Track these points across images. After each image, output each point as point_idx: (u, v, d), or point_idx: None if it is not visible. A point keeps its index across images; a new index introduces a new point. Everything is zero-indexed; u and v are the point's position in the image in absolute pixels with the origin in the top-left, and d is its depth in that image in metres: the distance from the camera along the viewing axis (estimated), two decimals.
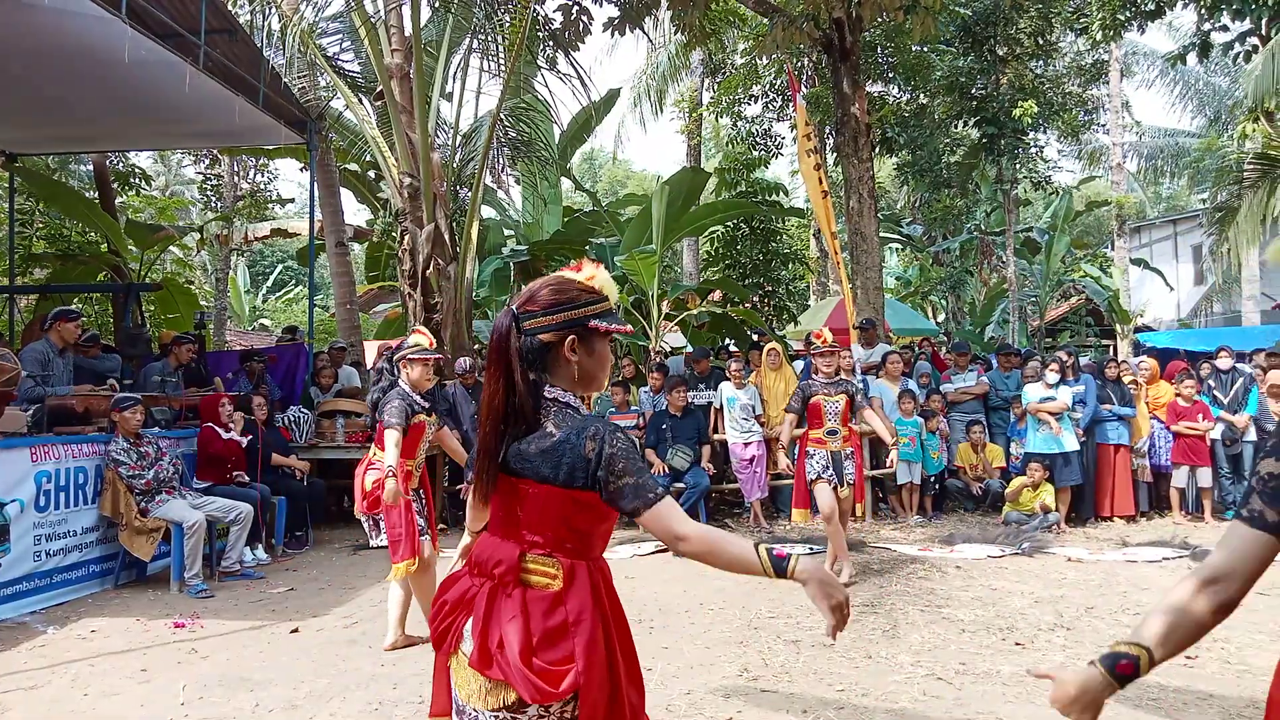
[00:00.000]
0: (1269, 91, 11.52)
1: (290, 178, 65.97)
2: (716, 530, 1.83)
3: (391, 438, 4.50)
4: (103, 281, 12.53)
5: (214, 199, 18.41)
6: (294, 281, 33.86)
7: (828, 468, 6.09)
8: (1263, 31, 12.90)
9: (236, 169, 17.59)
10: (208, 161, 17.62)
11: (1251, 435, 8.55)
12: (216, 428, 7.15)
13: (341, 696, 4.05)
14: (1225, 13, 12.54)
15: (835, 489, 6.06)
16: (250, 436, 7.38)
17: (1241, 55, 13.57)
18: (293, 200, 21.42)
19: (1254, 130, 13.90)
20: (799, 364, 9.97)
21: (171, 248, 16.61)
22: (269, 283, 34.44)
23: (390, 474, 4.44)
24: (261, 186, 17.79)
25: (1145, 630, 1.60)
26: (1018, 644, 4.70)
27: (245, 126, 9.29)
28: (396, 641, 4.76)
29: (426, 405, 4.75)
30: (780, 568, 1.72)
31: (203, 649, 4.82)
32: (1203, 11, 12.85)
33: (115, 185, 13.44)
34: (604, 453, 1.77)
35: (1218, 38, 13.42)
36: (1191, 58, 13.79)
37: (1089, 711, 1.56)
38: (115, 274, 12.21)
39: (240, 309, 28.27)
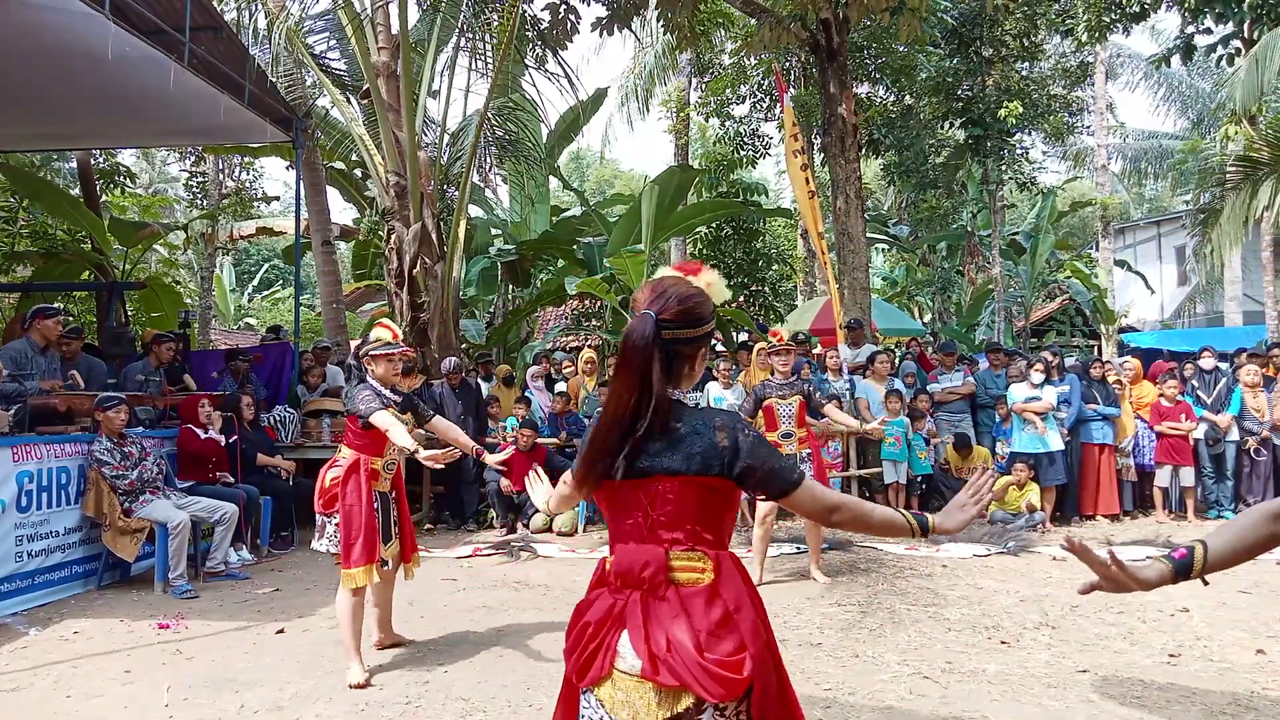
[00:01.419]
0: (1253, 95, 11.62)
1: (276, 176, 65.67)
2: (858, 499, 1.92)
3: (385, 418, 4.18)
4: (86, 280, 12.43)
5: (199, 197, 18.28)
6: (280, 280, 33.71)
7: None
8: (1245, 35, 13.01)
9: (222, 167, 17.46)
10: (193, 159, 17.48)
11: (1234, 435, 8.63)
12: (194, 428, 7.09)
13: (327, 698, 4.03)
14: (1208, 16, 12.67)
15: None
16: (233, 436, 7.34)
17: (1224, 58, 13.72)
18: (278, 198, 21.33)
19: (1236, 133, 14.03)
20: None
21: (156, 246, 16.46)
22: (254, 281, 34.27)
23: (416, 449, 4.03)
24: (247, 184, 17.66)
25: (1207, 537, 1.74)
26: (1003, 642, 4.73)
27: (231, 124, 9.24)
28: (383, 640, 4.64)
29: (398, 400, 4.46)
30: (924, 525, 1.93)
31: (187, 650, 4.79)
32: (1186, 14, 12.98)
33: (99, 183, 13.33)
34: (740, 442, 1.81)
35: (1201, 41, 13.58)
36: (1175, 60, 13.95)
37: (1130, 581, 1.71)
38: (99, 272, 12.10)
39: (225, 308, 28.11)
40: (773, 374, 6.17)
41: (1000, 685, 4.06)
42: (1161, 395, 8.84)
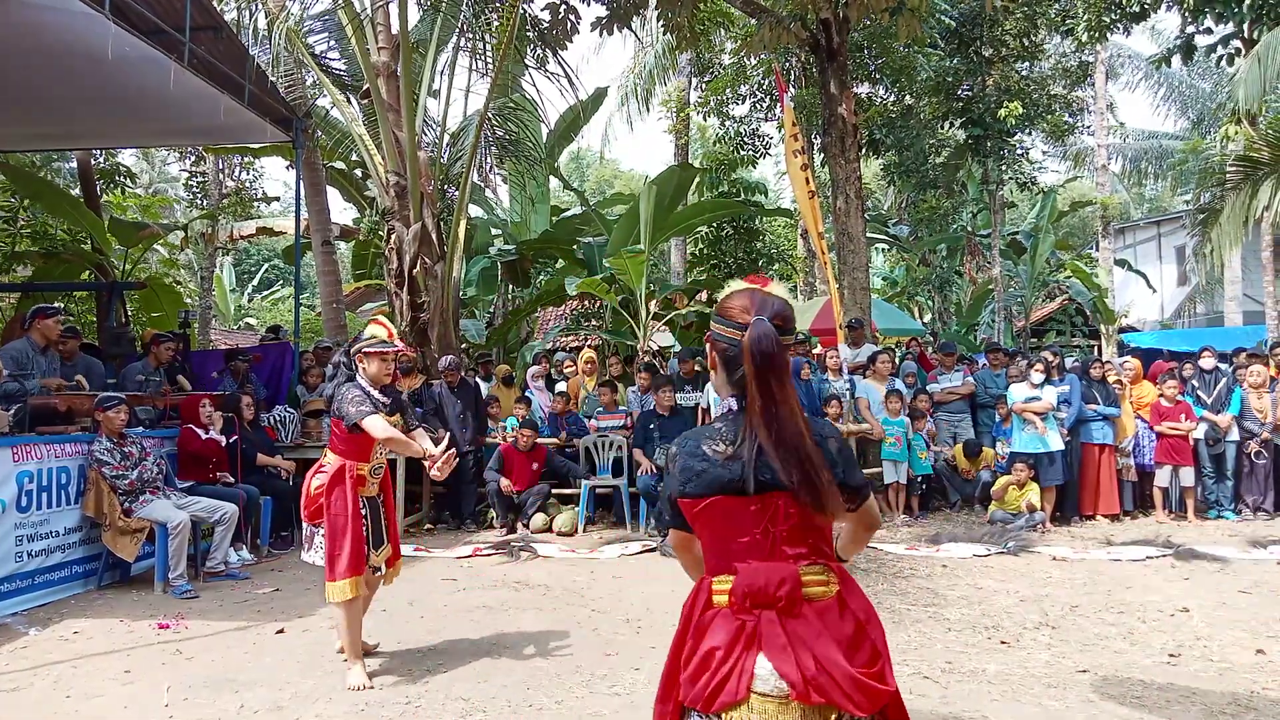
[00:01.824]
0: (1256, 94, 11.62)
1: (276, 176, 65.71)
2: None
3: (376, 422, 4.03)
4: (86, 280, 12.43)
5: (199, 197, 18.28)
6: (280, 280, 33.73)
7: None
8: (1245, 35, 13.01)
9: (222, 167, 17.47)
10: (193, 159, 17.48)
11: (1234, 435, 8.63)
12: (195, 428, 7.10)
13: (327, 698, 4.03)
14: (1208, 16, 12.67)
15: None
16: (233, 436, 7.34)
17: (1225, 58, 13.72)
18: (278, 198, 21.32)
19: (1236, 133, 14.02)
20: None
21: (156, 246, 16.47)
22: (254, 281, 34.30)
23: (422, 454, 4.01)
24: (247, 184, 17.67)
25: None
26: (1003, 642, 4.73)
27: (230, 124, 9.25)
28: (362, 654, 4.33)
29: (387, 401, 4.27)
30: None
31: (187, 650, 4.78)
32: (1186, 14, 12.98)
33: (99, 183, 13.33)
34: (843, 449, 1.84)
35: (1201, 41, 13.57)
36: (1175, 60, 13.95)
37: None
38: (99, 272, 12.11)
39: (225, 308, 28.13)
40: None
41: (1000, 685, 4.06)
42: (1161, 395, 8.84)
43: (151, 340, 8.32)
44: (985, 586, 6.00)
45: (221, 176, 17.56)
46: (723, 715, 1.75)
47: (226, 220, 17.67)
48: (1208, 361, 9.17)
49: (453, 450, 4.13)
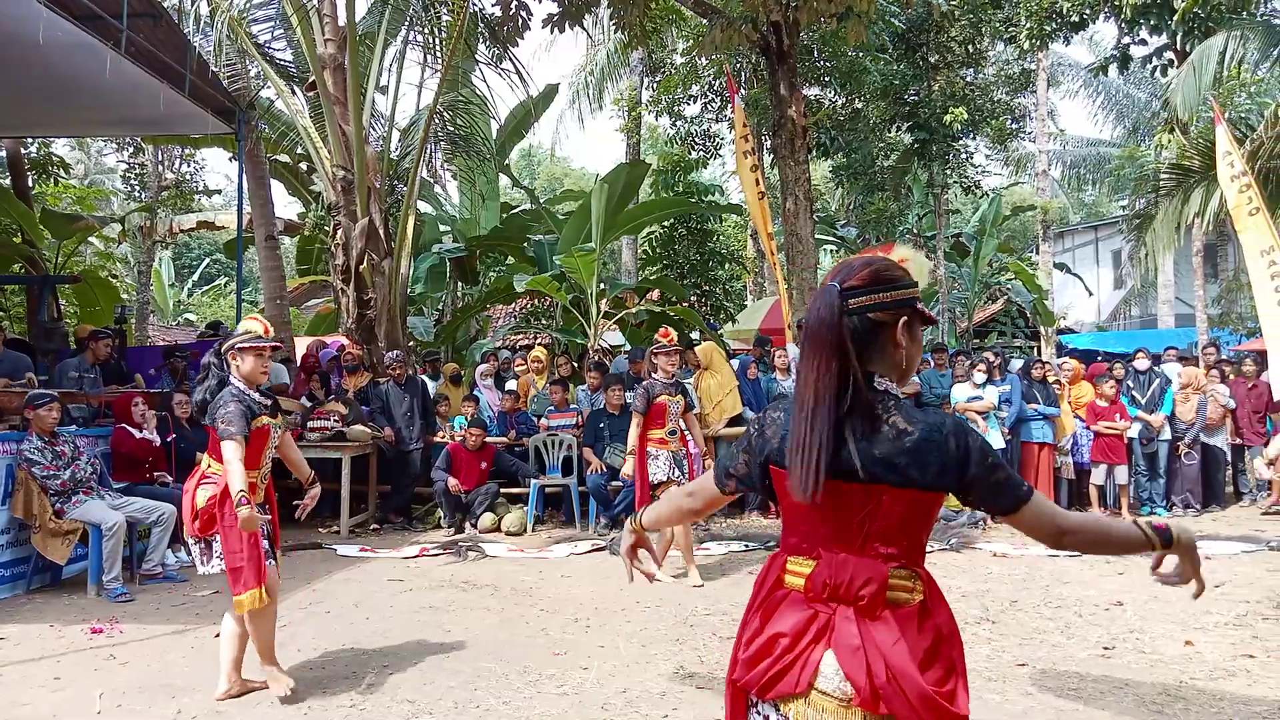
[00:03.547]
0: (1192, 101, 12.01)
1: (218, 169, 64.11)
2: (1093, 515, 1.81)
3: (233, 450, 3.70)
4: (16, 273, 12.01)
5: (137, 189, 17.77)
6: (221, 275, 32.96)
7: (673, 469, 6.11)
8: (1177, 47, 13.45)
9: (161, 158, 17.00)
10: (131, 150, 16.98)
11: (1166, 434, 8.93)
12: (129, 427, 6.89)
13: (269, 701, 3.94)
14: (1143, 28, 13.09)
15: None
16: (173, 436, 7.15)
17: (1159, 69, 14.18)
18: (220, 192, 20.86)
19: (1170, 141, 14.48)
20: (736, 362, 10.04)
21: (92, 239, 15.97)
22: (195, 276, 33.46)
23: (241, 499, 3.62)
24: (187, 177, 17.23)
25: None
26: None
27: (170, 115, 9.01)
28: (231, 689, 3.98)
29: (268, 404, 4.01)
30: (1166, 539, 1.69)
31: (121, 655, 4.65)
32: (1123, 26, 13.40)
33: (31, 173, 12.88)
34: (972, 450, 1.63)
35: (1137, 51, 14.02)
36: (1113, 70, 14.39)
37: None
38: (30, 265, 11.71)
39: (164, 303, 27.38)
40: (656, 372, 6.23)
41: None
42: (1099, 395, 9.10)
43: (88, 336, 8.06)
44: None
45: (161, 168, 17.08)
46: (779, 705, 1.67)
47: (166, 213, 17.21)
48: (1142, 363, 9.46)
49: (316, 492, 4.08)
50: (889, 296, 1.67)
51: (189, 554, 5.73)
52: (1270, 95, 15.42)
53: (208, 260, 34.08)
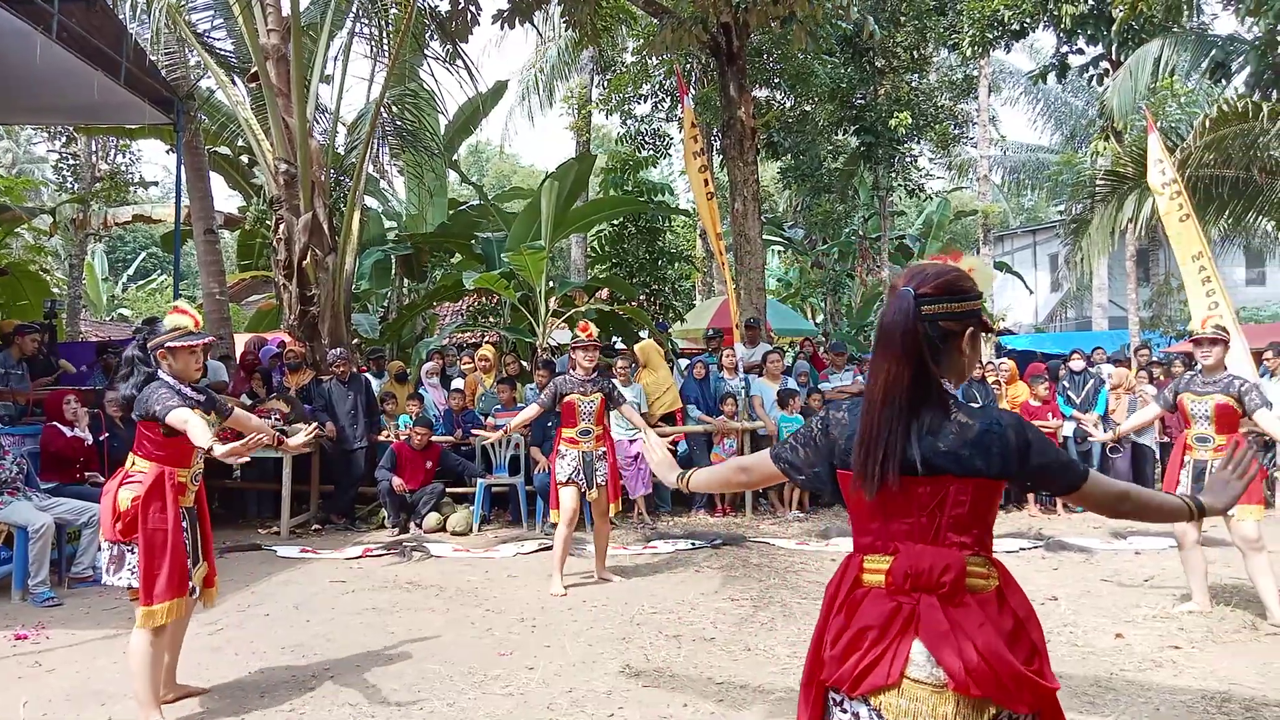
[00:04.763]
0: (1128, 105, 12.39)
1: (155, 160, 62.42)
2: (1141, 487, 1.92)
3: (184, 415, 3.49)
4: None
5: (70, 180, 17.19)
6: (158, 269, 32.08)
7: (578, 470, 5.91)
8: (1112, 57, 13.88)
9: (95, 148, 16.48)
10: (63, 139, 16.43)
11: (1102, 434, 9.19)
12: (60, 425, 6.66)
13: (205, 708, 3.85)
14: (1081, 37, 13.50)
15: (584, 492, 5.94)
16: (106, 435, 6.93)
17: (1095, 77, 14.63)
18: (157, 183, 20.30)
19: (1105, 148, 14.93)
20: (684, 361, 10.09)
21: (20, 231, 15.42)
22: (130, 271, 32.52)
23: (213, 444, 3.42)
24: (123, 168, 16.72)
25: None
26: None
27: (105, 103, 8.75)
28: (164, 698, 3.73)
29: (201, 399, 3.78)
30: (1200, 508, 1.88)
31: (48, 661, 4.49)
32: (1061, 35, 13.79)
33: None
34: (1031, 439, 1.73)
35: (1074, 60, 14.44)
36: (1051, 77, 14.80)
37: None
38: None
39: (97, 298, 26.53)
40: (575, 369, 6.02)
41: None
42: (1034, 395, 9.33)
43: (15, 331, 7.78)
44: None
45: (95, 159, 16.56)
46: (870, 699, 1.69)
47: (99, 206, 16.68)
48: (1077, 363, 9.73)
49: (255, 438, 3.59)
50: (960, 307, 1.77)
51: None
52: (1199, 106, 16.01)
53: (144, 254, 33.15)
